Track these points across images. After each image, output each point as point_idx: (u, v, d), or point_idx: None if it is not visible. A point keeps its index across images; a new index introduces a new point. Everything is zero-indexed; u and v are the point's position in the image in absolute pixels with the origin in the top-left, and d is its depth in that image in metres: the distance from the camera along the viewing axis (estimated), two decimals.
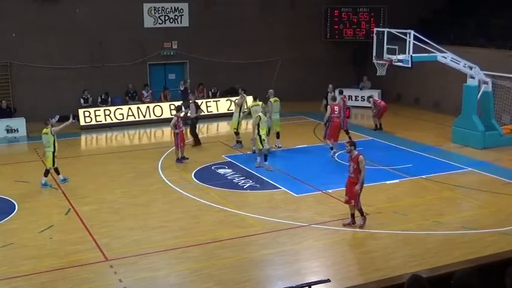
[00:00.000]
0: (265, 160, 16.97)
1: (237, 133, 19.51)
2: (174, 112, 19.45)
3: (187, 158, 17.95)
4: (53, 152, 15.82)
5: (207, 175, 16.67)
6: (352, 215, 12.75)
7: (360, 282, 9.44)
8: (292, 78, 27.04)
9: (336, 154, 18.34)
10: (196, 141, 19.89)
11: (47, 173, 15.85)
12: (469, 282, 4.96)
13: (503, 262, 6.07)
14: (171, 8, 25.46)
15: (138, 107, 23.86)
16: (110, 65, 24.46)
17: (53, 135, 15.91)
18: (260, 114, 17.11)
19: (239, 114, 19.29)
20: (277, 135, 19.26)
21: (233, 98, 20.52)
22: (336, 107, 18.42)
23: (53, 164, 15.85)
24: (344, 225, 12.77)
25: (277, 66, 27.17)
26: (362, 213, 12.74)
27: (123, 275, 10.65)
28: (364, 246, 12.02)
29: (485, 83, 19.61)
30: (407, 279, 5.03)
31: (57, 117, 24.19)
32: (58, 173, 16.12)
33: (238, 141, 19.53)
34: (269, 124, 17.76)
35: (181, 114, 18.22)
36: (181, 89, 24.02)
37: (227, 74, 25.58)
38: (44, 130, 16.06)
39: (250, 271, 10.91)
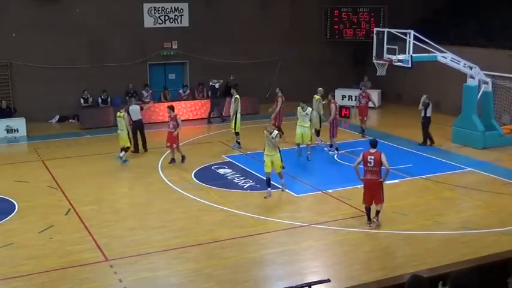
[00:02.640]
0: (268, 186, 14.79)
1: (237, 133, 19.52)
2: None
3: (174, 161, 17.69)
4: (128, 133, 17.76)
5: (207, 175, 16.67)
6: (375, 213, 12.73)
7: (360, 282, 9.43)
8: (292, 78, 27.03)
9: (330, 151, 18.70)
10: (135, 148, 19.02)
11: (126, 149, 17.89)
12: (467, 282, 4.95)
13: (503, 262, 6.07)
14: (171, 8, 25.46)
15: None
16: (110, 65, 24.46)
17: (125, 119, 17.66)
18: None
19: (235, 116, 19.30)
20: (317, 132, 19.88)
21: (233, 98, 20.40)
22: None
23: (130, 143, 18.03)
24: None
25: (277, 66, 27.18)
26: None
27: (123, 275, 10.64)
28: (364, 246, 12.00)
29: (485, 83, 19.61)
30: (408, 279, 5.03)
31: (57, 117, 24.37)
32: (125, 151, 17.94)
33: (238, 142, 19.53)
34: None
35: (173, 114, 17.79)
36: (217, 87, 24.13)
37: (227, 74, 25.54)
38: (118, 114, 17.93)
39: (250, 271, 10.91)
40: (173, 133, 17.48)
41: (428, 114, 19.35)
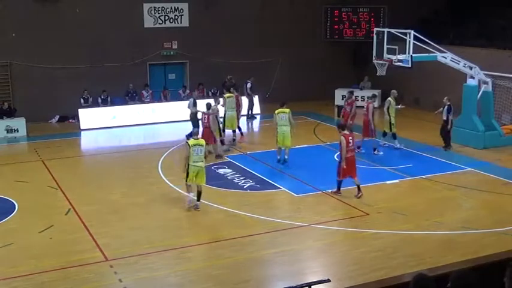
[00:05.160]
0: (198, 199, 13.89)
1: (234, 131, 19.62)
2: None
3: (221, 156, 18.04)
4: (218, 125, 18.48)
5: (207, 175, 16.55)
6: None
7: (360, 282, 9.43)
8: (292, 79, 27.04)
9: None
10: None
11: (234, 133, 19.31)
12: (467, 282, 4.95)
13: (502, 262, 6.06)
14: (171, 8, 25.45)
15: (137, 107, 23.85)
16: (110, 65, 24.45)
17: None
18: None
19: (234, 115, 19.43)
20: (394, 135, 19.31)
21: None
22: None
23: (220, 134, 18.59)
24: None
25: (277, 66, 27.18)
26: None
27: (123, 275, 10.65)
28: (364, 246, 12.00)
29: (485, 83, 19.61)
30: (413, 277, 5.00)
31: (57, 117, 24.37)
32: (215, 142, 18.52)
33: (234, 139, 19.65)
34: None
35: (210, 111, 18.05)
36: (249, 85, 24.24)
37: (227, 74, 25.55)
38: (213, 106, 18.55)
39: (250, 271, 10.91)
40: (209, 130, 17.78)
41: (451, 118, 18.73)
